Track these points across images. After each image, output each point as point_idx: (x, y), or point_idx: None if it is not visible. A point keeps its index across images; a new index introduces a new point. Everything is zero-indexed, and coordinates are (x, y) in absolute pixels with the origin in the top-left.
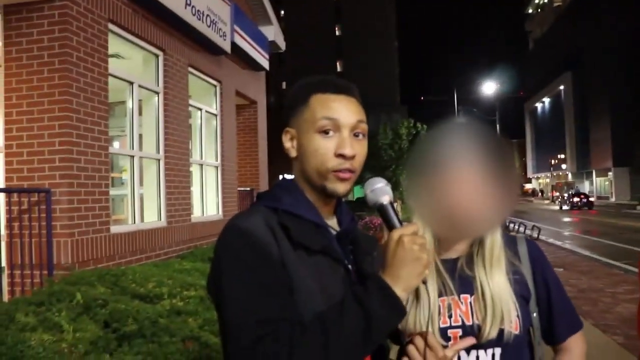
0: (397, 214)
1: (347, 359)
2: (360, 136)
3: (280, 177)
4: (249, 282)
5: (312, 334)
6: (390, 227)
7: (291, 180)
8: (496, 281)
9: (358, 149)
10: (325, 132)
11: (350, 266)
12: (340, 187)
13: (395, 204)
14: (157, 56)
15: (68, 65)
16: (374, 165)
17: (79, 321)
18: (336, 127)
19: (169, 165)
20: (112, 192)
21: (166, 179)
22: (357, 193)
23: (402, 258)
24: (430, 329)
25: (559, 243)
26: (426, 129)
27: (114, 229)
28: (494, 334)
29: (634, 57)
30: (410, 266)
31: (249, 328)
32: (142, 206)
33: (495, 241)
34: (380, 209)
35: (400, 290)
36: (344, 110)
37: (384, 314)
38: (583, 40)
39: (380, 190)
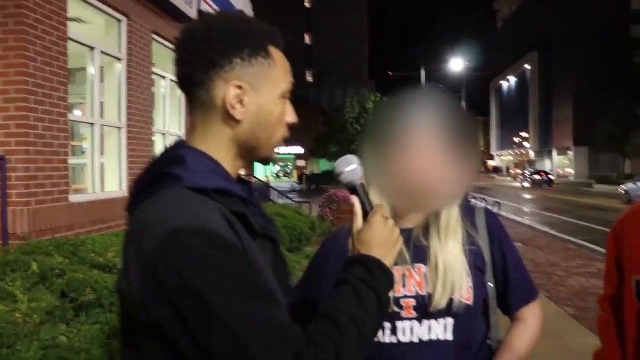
0: (367, 195)
1: (370, 346)
2: None
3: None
4: (252, 295)
5: (349, 331)
6: (364, 208)
7: (193, 147)
8: (450, 251)
9: None
10: (286, 97)
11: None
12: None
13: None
14: (120, 22)
15: (24, 27)
16: (341, 138)
17: (34, 291)
18: (290, 93)
19: (131, 134)
20: (72, 160)
21: (128, 148)
22: (323, 166)
23: (388, 240)
24: None
25: (519, 219)
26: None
27: (74, 198)
28: (443, 304)
29: (599, 39)
30: (396, 247)
31: (279, 349)
32: (103, 175)
33: (451, 212)
34: (355, 190)
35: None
36: None
37: (388, 293)
38: (550, 21)
39: (356, 171)
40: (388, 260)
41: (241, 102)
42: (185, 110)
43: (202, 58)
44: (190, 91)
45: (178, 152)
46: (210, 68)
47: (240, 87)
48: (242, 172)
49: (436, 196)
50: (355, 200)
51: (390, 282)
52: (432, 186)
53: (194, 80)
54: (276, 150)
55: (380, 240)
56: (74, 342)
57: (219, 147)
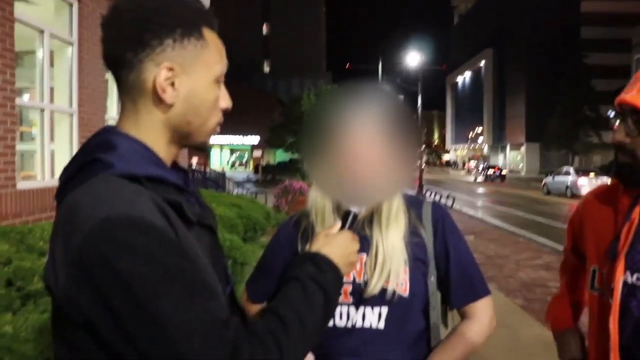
0: (353, 224)
1: (314, 343)
2: None
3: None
4: (185, 288)
5: (293, 326)
6: (343, 226)
7: (123, 132)
8: (390, 241)
9: None
10: (220, 82)
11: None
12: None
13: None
14: (70, 5)
15: None
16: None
17: None
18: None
19: (82, 120)
20: (20, 146)
21: (80, 134)
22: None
23: (349, 255)
24: None
25: (471, 212)
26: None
27: (21, 184)
28: (376, 290)
29: (551, 39)
30: (350, 263)
31: (215, 343)
32: (52, 162)
33: (393, 203)
34: (346, 216)
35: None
36: None
37: (337, 294)
38: (504, 19)
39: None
40: (341, 268)
41: (172, 84)
42: None
43: (131, 38)
44: (119, 72)
45: (107, 137)
46: (140, 49)
47: (171, 69)
48: (195, 160)
49: (374, 190)
50: (342, 220)
51: (339, 283)
52: (370, 180)
53: (123, 62)
54: (211, 136)
55: (341, 248)
56: (20, 331)
57: (150, 132)
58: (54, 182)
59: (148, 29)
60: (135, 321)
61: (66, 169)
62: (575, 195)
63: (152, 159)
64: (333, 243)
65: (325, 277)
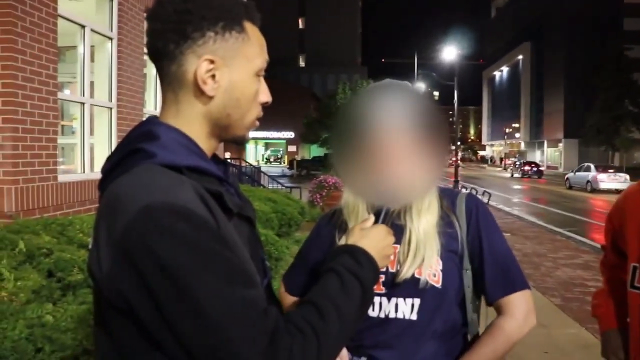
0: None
1: (351, 335)
2: None
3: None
4: (226, 275)
5: (331, 317)
6: (376, 220)
7: (165, 123)
8: (422, 228)
9: None
10: (260, 75)
11: (253, 221)
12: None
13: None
14: (111, 0)
15: (12, 2)
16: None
17: (21, 270)
18: (265, 71)
19: (121, 114)
20: (62, 140)
21: (118, 128)
22: (314, 152)
23: (384, 248)
24: None
25: (507, 209)
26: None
27: (62, 177)
28: (407, 276)
29: (592, 31)
30: (386, 260)
31: (254, 332)
32: (92, 155)
33: (425, 197)
34: (380, 212)
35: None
36: None
37: (373, 286)
38: (543, 11)
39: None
40: (380, 263)
41: (213, 77)
42: None
43: (174, 30)
44: (161, 64)
45: (150, 128)
46: (182, 41)
47: (212, 62)
48: (228, 155)
49: (404, 191)
50: (373, 214)
51: (376, 276)
52: (400, 181)
53: (166, 53)
54: (250, 130)
55: (377, 242)
56: (60, 321)
57: (191, 124)
58: (94, 175)
59: (190, 21)
60: (175, 307)
61: (109, 159)
62: (594, 189)
63: (193, 149)
64: (369, 236)
65: (363, 269)
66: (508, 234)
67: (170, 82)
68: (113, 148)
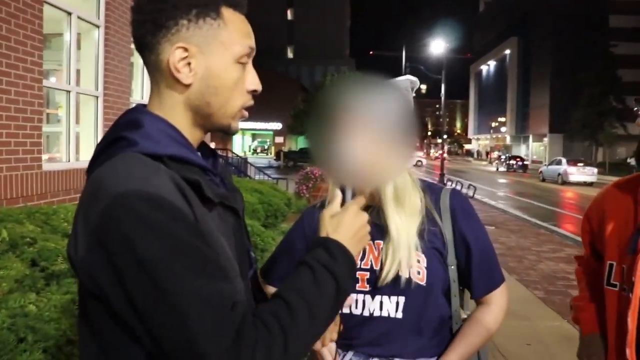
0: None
1: (323, 331)
2: None
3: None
4: (196, 267)
5: (300, 312)
6: (344, 197)
7: (151, 112)
8: (403, 226)
9: None
10: (243, 62)
11: (239, 211)
12: (239, 126)
13: None
14: None
15: None
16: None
17: (3, 259)
18: (249, 58)
19: (107, 103)
20: (47, 128)
21: (104, 117)
22: (301, 143)
23: (358, 230)
24: None
25: (492, 202)
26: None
27: (47, 166)
28: (389, 278)
29: (577, 27)
30: (362, 240)
31: (220, 325)
32: (77, 144)
33: (398, 187)
34: (345, 189)
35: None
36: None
37: (348, 280)
38: (531, 6)
39: None
40: (352, 249)
41: (189, 65)
42: None
43: (150, 20)
44: (143, 55)
45: (136, 117)
46: (157, 30)
47: (186, 49)
48: (213, 145)
49: (375, 175)
50: (339, 191)
51: (351, 269)
52: (366, 165)
53: (145, 44)
54: (237, 119)
55: (349, 227)
56: (43, 311)
57: (173, 113)
58: (79, 164)
59: (164, 9)
60: (144, 296)
61: (97, 146)
62: (565, 182)
63: (177, 139)
64: (341, 224)
65: (337, 264)
66: (492, 227)
67: (151, 72)
68: (99, 137)
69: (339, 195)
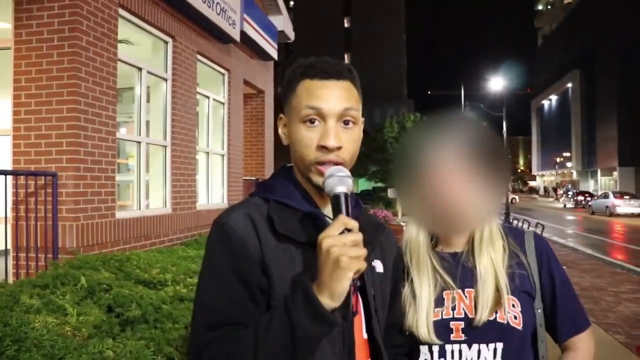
0: (347, 208)
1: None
2: (350, 124)
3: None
4: (212, 283)
5: (244, 339)
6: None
7: (289, 167)
8: (489, 269)
9: (345, 139)
10: (311, 121)
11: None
12: (319, 181)
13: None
14: (166, 43)
15: (77, 49)
16: (380, 158)
17: (82, 305)
18: (321, 117)
19: (175, 152)
20: (119, 177)
21: (172, 166)
22: (362, 185)
23: (322, 263)
24: (424, 321)
25: (562, 241)
26: (415, 124)
27: (119, 214)
28: (483, 321)
29: None
30: (330, 270)
31: (200, 333)
32: (147, 192)
33: (485, 229)
34: (336, 200)
35: (326, 298)
36: (330, 98)
37: (307, 324)
38: (592, 39)
39: (340, 179)
40: (326, 282)
41: (284, 130)
42: (227, 130)
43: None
44: None
45: (275, 171)
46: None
47: (281, 118)
48: None
49: (470, 218)
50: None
51: (313, 307)
52: (465, 210)
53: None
54: (316, 175)
55: (319, 262)
56: (120, 356)
57: (294, 167)
58: (149, 211)
59: (281, 94)
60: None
61: None
62: (612, 214)
63: (289, 187)
64: (319, 268)
65: (294, 301)
66: (564, 267)
67: None
68: (167, 185)
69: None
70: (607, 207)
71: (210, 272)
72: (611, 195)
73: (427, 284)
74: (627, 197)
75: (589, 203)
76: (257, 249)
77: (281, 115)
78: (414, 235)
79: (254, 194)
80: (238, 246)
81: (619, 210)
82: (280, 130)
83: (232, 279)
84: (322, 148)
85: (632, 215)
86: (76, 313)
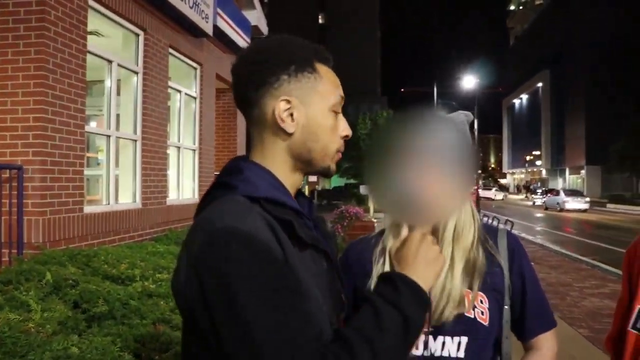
0: None
1: None
2: None
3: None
4: (279, 305)
5: (362, 353)
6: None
7: (253, 161)
8: (456, 264)
9: None
10: (336, 111)
11: (330, 255)
12: (335, 167)
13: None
14: (137, 35)
15: (45, 40)
16: (353, 155)
17: (47, 301)
18: (340, 106)
19: (146, 146)
20: (87, 172)
21: (143, 160)
22: (334, 182)
23: (425, 256)
24: None
25: (530, 237)
26: (388, 118)
27: (88, 209)
28: (445, 316)
29: (611, 57)
30: (433, 265)
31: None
32: (117, 187)
33: (458, 224)
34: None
35: (425, 289)
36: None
37: (418, 313)
38: (562, 39)
39: None
40: (426, 279)
41: (291, 115)
42: (199, 124)
43: (251, 78)
44: (246, 111)
45: (237, 164)
46: (259, 86)
47: (288, 102)
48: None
49: (437, 209)
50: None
51: (421, 302)
52: (430, 199)
53: (247, 100)
54: (335, 161)
55: (416, 257)
56: (85, 353)
57: (274, 161)
58: (118, 206)
59: (265, 68)
60: (227, 329)
61: (205, 192)
62: (562, 209)
63: (273, 184)
64: (405, 255)
65: (402, 297)
66: (532, 263)
67: (254, 124)
68: (138, 180)
69: (405, 230)
70: (558, 203)
71: (272, 296)
72: (562, 192)
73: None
74: (575, 195)
75: (543, 200)
76: (281, 255)
77: (287, 97)
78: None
79: (233, 191)
80: (279, 262)
81: (568, 206)
82: (283, 115)
83: (297, 296)
84: (344, 137)
85: (579, 211)
86: (40, 309)
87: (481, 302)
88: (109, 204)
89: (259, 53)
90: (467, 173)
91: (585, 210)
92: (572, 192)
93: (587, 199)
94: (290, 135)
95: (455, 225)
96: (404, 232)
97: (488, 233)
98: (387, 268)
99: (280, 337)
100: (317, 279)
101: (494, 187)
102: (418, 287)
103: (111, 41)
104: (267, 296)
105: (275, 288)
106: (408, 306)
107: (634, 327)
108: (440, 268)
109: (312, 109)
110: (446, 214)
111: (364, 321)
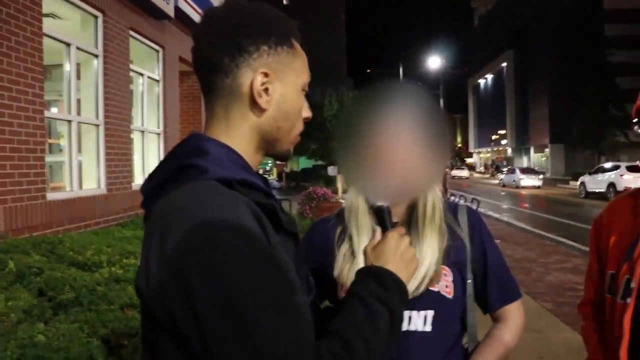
0: (390, 218)
1: None
2: None
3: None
4: (280, 303)
5: (357, 350)
6: (384, 227)
7: (213, 138)
8: (425, 242)
9: None
10: (304, 91)
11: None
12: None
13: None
14: (96, 17)
15: None
16: (320, 137)
17: (11, 290)
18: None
19: (109, 131)
20: (49, 158)
21: (106, 145)
22: (302, 164)
23: (402, 255)
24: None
25: (496, 215)
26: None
27: (51, 196)
28: (417, 292)
29: (573, 36)
30: (410, 265)
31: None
32: (80, 173)
33: (428, 203)
34: (380, 214)
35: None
36: None
37: (402, 309)
38: (525, 20)
39: None
40: (403, 275)
41: (266, 90)
42: (162, 108)
43: (230, 43)
44: (214, 78)
45: (198, 144)
46: (238, 54)
47: (266, 75)
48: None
49: (411, 186)
50: (378, 219)
51: (404, 299)
52: (402, 177)
53: (220, 66)
54: (294, 145)
55: (395, 254)
56: (52, 340)
57: (241, 138)
58: (82, 192)
59: (247, 34)
60: (221, 330)
61: (152, 177)
62: (518, 186)
63: (241, 164)
64: (384, 252)
65: (389, 294)
66: (498, 240)
67: (220, 95)
68: (101, 165)
69: (378, 229)
70: (514, 180)
71: (273, 293)
72: (517, 170)
73: (366, 241)
74: (530, 172)
75: (500, 178)
76: (269, 247)
77: (266, 70)
78: (354, 198)
79: (204, 175)
80: (268, 250)
81: (523, 183)
82: (261, 89)
83: (294, 292)
84: (305, 119)
85: (533, 187)
86: (4, 298)
87: (445, 275)
88: (73, 190)
89: (240, 16)
90: (441, 146)
91: (538, 187)
92: (527, 170)
93: (540, 176)
94: (263, 111)
95: (429, 205)
96: (378, 231)
97: (448, 208)
98: (358, 255)
99: (287, 346)
100: (289, 259)
101: (462, 166)
102: (403, 285)
103: (69, 24)
104: (270, 301)
105: (278, 289)
106: (395, 303)
107: (609, 292)
108: (415, 269)
109: (287, 86)
110: (422, 189)
111: (357, 319)
